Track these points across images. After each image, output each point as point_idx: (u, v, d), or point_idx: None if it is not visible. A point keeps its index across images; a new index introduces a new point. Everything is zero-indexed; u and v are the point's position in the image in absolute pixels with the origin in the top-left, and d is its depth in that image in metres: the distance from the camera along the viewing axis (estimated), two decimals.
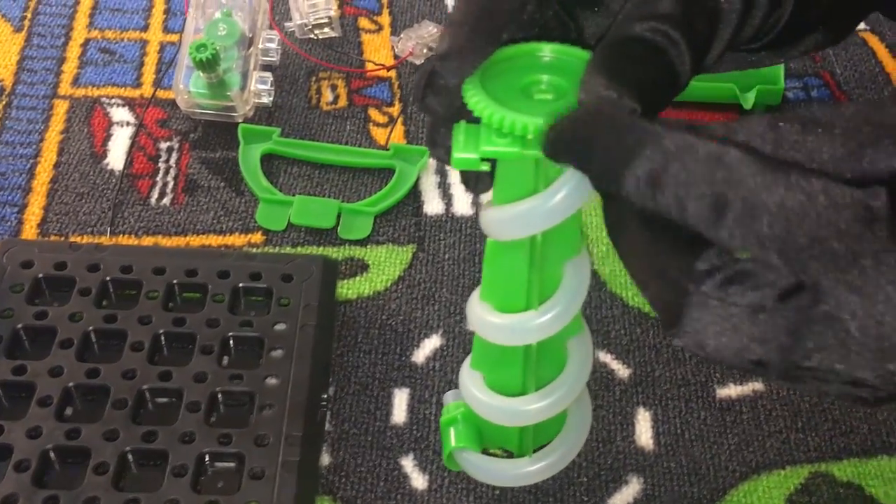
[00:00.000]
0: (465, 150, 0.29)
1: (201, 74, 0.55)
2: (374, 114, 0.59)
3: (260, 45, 0.58)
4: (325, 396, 0.44)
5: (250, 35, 0.58)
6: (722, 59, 0.31)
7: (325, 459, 0.43)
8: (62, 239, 0.50)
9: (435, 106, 0.29)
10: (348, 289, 0.49)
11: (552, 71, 0.31)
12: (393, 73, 0.62)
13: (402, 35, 0.62)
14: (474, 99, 0.28)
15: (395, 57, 0.62)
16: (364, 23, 0.65)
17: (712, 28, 0.29)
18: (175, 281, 0.44)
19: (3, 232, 0.50)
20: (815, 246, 0.22)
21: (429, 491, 0.42)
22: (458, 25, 0.30)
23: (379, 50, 0.63)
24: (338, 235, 0.51)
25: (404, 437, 0.44)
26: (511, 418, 0.35)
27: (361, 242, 0.51)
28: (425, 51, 0.62)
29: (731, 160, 0.22)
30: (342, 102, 0.60)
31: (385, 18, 0.66)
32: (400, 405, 0.45)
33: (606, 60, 0.28)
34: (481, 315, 0.33)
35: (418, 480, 0.42)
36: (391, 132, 0.57)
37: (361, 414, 0.44)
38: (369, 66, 0.62)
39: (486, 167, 0.29)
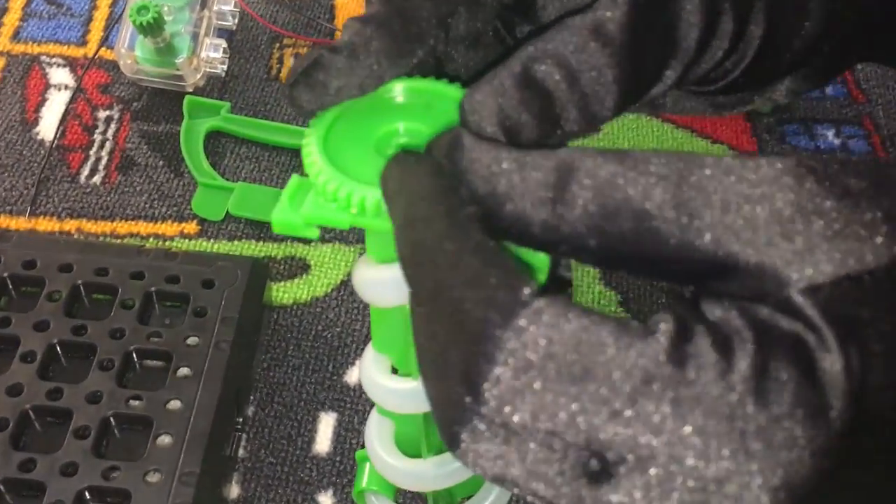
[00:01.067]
0: (288, 212, 0.24)
1: (145, 39, 0.50)
2: None
3: (214, 8, 0.53)
4: (241, 420, 0.40)
5: None
6: (677, 99, 0.26)
7: (234, 491, 0.39)
8: None
9: (302, 101, 0.24)
10: (284, 292, 0.44)
11: (410, 115, 0.26)
12: None
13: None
14: (309, 158, 0.23)
15: None
16: None
17: (662, 56, 0.24)
18: (81, 281, 0.40)
19: None
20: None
21: None
22: (364, 21, 0.25)
23: (352, 13, 0.57)
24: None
25: (325, 469, 0.39)
26: (409, 481, 0.31)
27: (305, 239, 0.46)
28: None
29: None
30: None
31: None
32: (325, 432, 0.40)
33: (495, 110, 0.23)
34: (374, 378, 0.28)
35: None
36: None
37: (280, 440, 0.40)
38: (338, 35, 0.56)
39: (313, 234, 0.24)
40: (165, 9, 0.51)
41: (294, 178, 0.25)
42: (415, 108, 0.26)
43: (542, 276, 0.26)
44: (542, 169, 0.20)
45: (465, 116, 0.23)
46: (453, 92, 0.26)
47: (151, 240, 0.46)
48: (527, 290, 0.19)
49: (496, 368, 0.18)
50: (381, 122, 0.26)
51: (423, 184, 0.21)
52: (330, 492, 0.39)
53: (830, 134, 0.55)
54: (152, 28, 0.49)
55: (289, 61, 0.55)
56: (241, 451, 0.40)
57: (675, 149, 0.53)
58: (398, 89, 0.26)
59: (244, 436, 0.40)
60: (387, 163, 0.22)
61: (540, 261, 0.27)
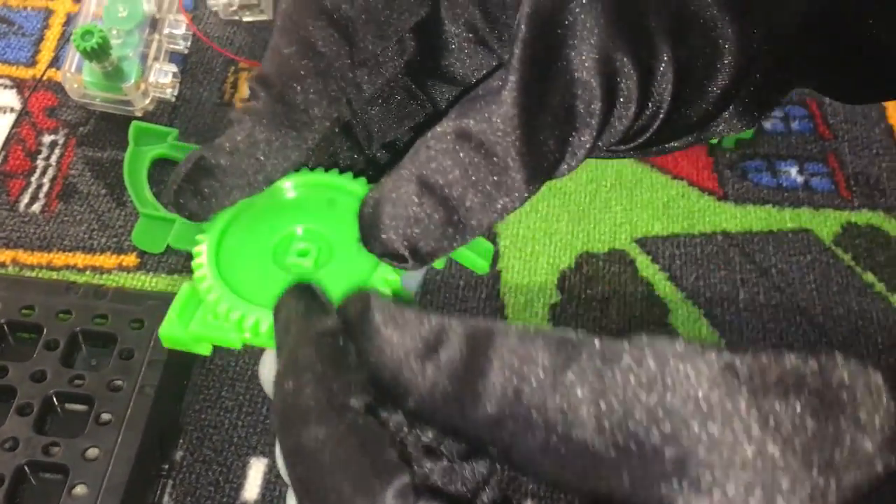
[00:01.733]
0: (176, 327, 0.23)
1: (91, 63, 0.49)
2: None
3: (165, 31, 0.52)
4: (166, 466, 0.39)
5: (157, 18, 0.52)
6: (608, 151, 0.25)
7: None
8: None
9: (189, 209, 0.23)
10: None
11: (309, 215, 0.25)
12: None
13: None
14: (199, 271, 0.23)
15: None
16: None
17: (563, 133, 0.22)
18: (5, 320, 0.39)
19: None
20: None
21: None
22: (247, 113, 0.24)
23: None
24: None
25: None
26: None
27: None
28: None
29: None
30: None
31: None
32: (255, 478, 0.39)
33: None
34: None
35: None
36: None
37: (208, 486, 0.39)
38: None
39: (205, 350, 0.23)
40: (114, 32, 0.50)
41: (184, 288, 0.24)
42: (315, 205, 0.25)
43: (486, 265, 0.26)
44: (450, 367, 0.19)
45: (372, 232, 0.22)
46: (354, 186, 0.25)
47: (88, 272, 0.45)
48: (391, 492, 0.18)
49: None
50: (279, 225, 0.25)
51: (308, 338, 0.20)
52: None
53: (794, 171, 0.54)
54: (97, 53, 0.48)
55: (243, 86, 0.54)
56: (165, 499, 0.38)
57: (635, 183, 0.52)
58: (289, 186, 0.25)
59: (170, 482, 0.39)
60: (280, 297, 0.22)
61: (485, 249, 0.26)
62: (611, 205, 0.51)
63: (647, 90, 0.24)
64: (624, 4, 0.23)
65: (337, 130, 0.27)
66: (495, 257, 0.48)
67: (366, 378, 0.21)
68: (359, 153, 0.28)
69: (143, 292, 0.41)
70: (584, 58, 0.22)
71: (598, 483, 0.18)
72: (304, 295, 0.22)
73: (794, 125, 0.56)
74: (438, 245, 0.22)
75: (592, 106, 0.22)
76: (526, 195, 0.22)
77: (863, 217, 0.52)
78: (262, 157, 0.23)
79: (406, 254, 0.22)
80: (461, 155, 0.22)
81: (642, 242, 0.50)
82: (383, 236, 0.22)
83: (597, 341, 0.19)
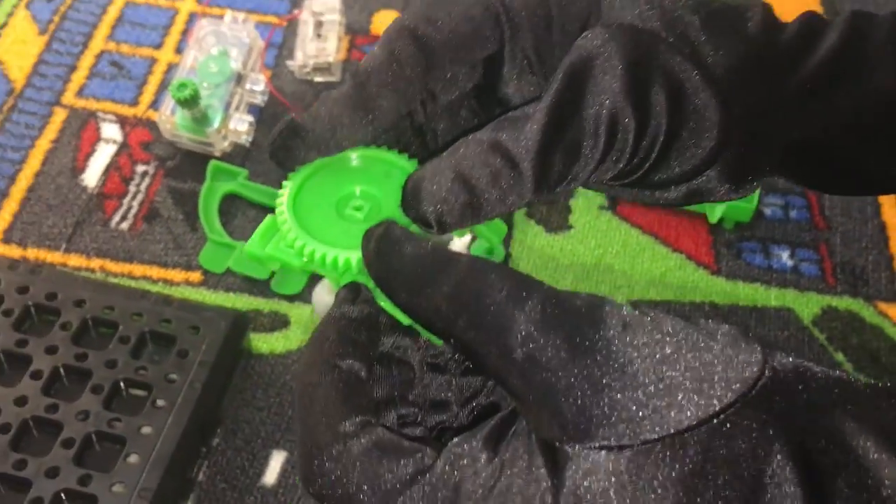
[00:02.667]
0: (257, 246, 0.32)
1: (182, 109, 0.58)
2: None
3: (247, 87, 0.61)
4: (205, 449, 0.47)
5: (242, 74, 0.61)
6: (609, 187, 0.33)
7: None
8: (21, 248, 0.54)
9: (279, 159, 0.32)
10: (263, 342, 0.52)
11: (368, 180, 0.33)
12: None
13: None
14: (279, 208, 0.31)
15: None
16: None
17: (569, 163, 0.30)
18: (90, 315, 0.47)
19: None
20: None
21: None
22: (334, 97, 0.32)
23: None
24: (270, 288, 0.54)
25: (268, 499, 0.46)
26: None
27: (290, 298, 0.53)
28: None
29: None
30: None
31: None
32: (274, 467, 0.47)
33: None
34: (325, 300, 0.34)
35: None
36: None
37: (235, 469, 0.47)
38: None
39: (272, 267, 0.31)
40: (205, 84, 0.60)
41: (268, 218, 0.32)
42: (374, 174, 0.33)
43: (498, 240, 0.34)
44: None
45: (411, 202, 0.30)
46: (406, 164, 0.33)
47: (160, 283, 0.54)
48: (349, 422, 0.27)
49: (319, 480, 0.26)
50: (343, 184, 0.33)
51: (331, 316, 0.30)
52: None
53: (785, 255, 0.60)
54: (188, 102, 0.57)
55: None
56: (200, 475, 0.46)
57: (638, 252, 0.59)
58: (355, 156, 0.33)
59: (206, 462, 0.47)
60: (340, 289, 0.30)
61: (499, 227, 0.34)
62: (613, 269, 0.58)
63: (639, 142, 0.30)
64: (635, 78, 0.30)
65: (409, 125, 0.34)
66: None
67: (368, 347, 0.29)
68: (423, 149, 0.35)
69: (202, 305, 0.49)
70: (597, 110, 0.30)
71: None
72: (348, 288, 0.31)
73: (792, 213, 0.62)
74: (458, 222, 0.30)
75: (595, 146, 0.30)
76: (531, 199, 0.30)
77: (843, 303, 0.58)
78: (336, 129, 0.31)
79: (433, 222, 0.30)
80: (490, 159, 0.29)
81: (636, 305, 0.56)
82: (419, 207, 0.30)
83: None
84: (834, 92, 0.31)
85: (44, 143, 0.60)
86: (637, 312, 0.26)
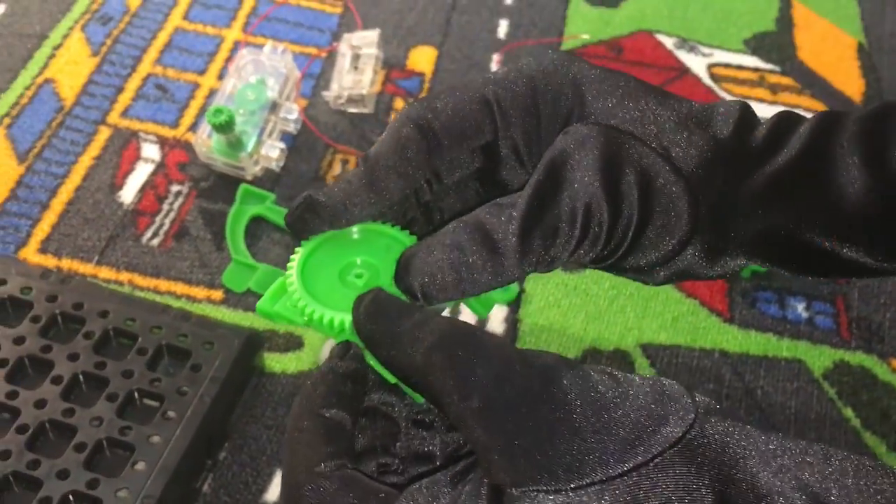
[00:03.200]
0: (268, 305, 0.35)
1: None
2: None
3: (281, 115, 0.63)
4: (211, 462, 0.49)
5: (277, 103, 0.64)
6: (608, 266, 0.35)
7: None
8: (56, 259, 0.57)
9: (296, 230, 0.35)
10: (276, 362, 0.53)
11: (365, 250, 0.35)
12: None
13: None
14: (290, 272, 0.34)
15: None
16: (399, 104, 0.69)
17: (547, 245, 0.32)
18: (112, 326, 0.50)
19: (12, 241, 0.58)
20: None
21: None
22: (345, 179, 0.35)
23: None
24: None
25: None
26: None
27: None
28: None
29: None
30: None
31: None
32: (277, 484, 0.49)
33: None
34: None
35: None
36: None
37: (239, 484, 0.49)
38: None
39: (281, 321, 0.34)
40: (241, 111, 0.62)
41: (278, 280, 0.35)
42: (376, 247, 0.36)
43: (485, 312, 0.36)
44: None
45: (401, 275, 0.33)
46: (405, 239, 0.35)
47: (183, 299, 0.56)
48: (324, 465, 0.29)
49: None
50: (347, 254, 0.36)
51: (322, 371, 0.32)
52: None
53: (801, 307, 0.60)
54: (223, 128, 0.59)
55: (336, 166, 0.64)
56: (205, 487, 0.48)
57: (652, 295, 0.59)
58: (356, 231, 0.36)
59: (211, 475, 0.49)
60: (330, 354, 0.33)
61: (487, 300, 0.35)
62: (626, 310, 0.59)
63: (613, 229, 0.33)
64: (609, 172, 0.32)
65: (416, 202, 0.37)
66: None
67: (353, 399, 0.32)
68: (429, 224, 0.38)
69: (218, 322, 0.51)
70: (573, 199, 0.32)
71: None
72: (341, 346, 0.33)
73: None
74: (442, 296, 0.32)
75: (572, 233, 0.32)
76: (514, 277, 0.32)
77: (856, 358, 0.58)
78: (347, 205, 0.34)
79: (419, 294, 0.32)
80: (475, 238, 0.32)
81: (645, 348, 0.57)
82: (408, 279, 0.32)
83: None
84: (798, 190, 0.32)
85: (86, 160, 0.63)
86: (590, 372, 0.28)
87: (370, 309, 0.32)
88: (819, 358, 0.57)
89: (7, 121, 0.64)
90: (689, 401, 0.27)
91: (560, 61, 0.35)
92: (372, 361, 0.34)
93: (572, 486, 0.25)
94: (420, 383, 0.30)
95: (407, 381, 0.31)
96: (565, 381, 0.27)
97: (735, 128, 0.34)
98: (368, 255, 0.36)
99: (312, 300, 0.34)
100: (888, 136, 0.31)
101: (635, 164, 0.33)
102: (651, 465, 0.26)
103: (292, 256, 0.35)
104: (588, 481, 0.25)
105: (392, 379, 0.33)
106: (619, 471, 0.25)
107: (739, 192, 0.33)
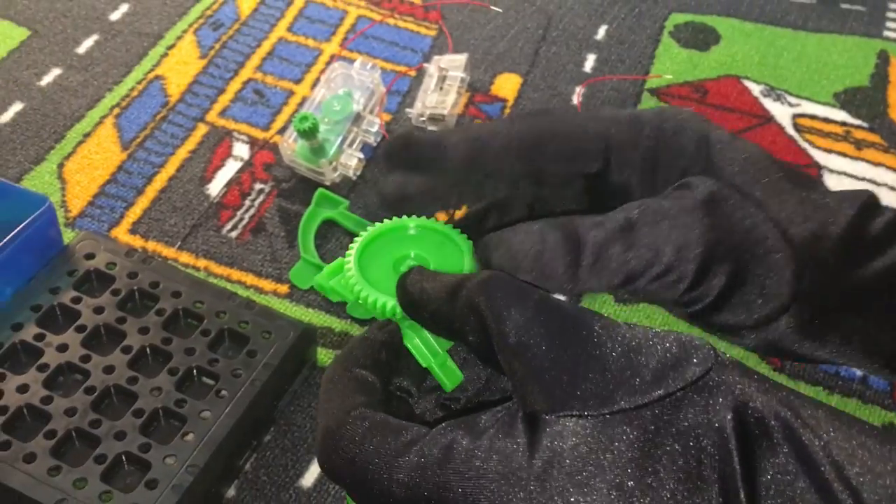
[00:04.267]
0: (325, 280, 0.39)
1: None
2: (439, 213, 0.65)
3: (363, 126, 0.67)
4: (255, 442, 0.52)
5: (361, 115, 0.67)
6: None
7: (231, 492, 0.50)
8: (144, 240, 0.62)
9: (393, 159, 0.40)
10: (328, 357, 0.56)
11: (419, 245, 0.38)
12: None
13: None
14: (348, 256, 0.38)
15: None
16: None
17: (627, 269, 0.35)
18: (182, 307, 0.54)
19: (107, 220, 0.63)
20: None
21: None
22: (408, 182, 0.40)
23: None
24: (346, 310, 0.58)
25: (301, 499, 0.50)
26: None
27: (363, 322, 0.58)
28: None
29: None
30: None
31: None
32: (314, 471, 0.51)
33: None
34: None
35: None
36: None
37: (278, 466, 0.52)
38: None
39: (333, 298, 0.38)
40: (326, 120, 0.66)
41: (338, 259, 0.39)
42: (429, 243, 0.39)
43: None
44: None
45: (485, 248, 0.36)
46: (458, 238, 0.38)
47: (252, 290, 0.60)
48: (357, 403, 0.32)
49: (332, 457, 0.32)
50: (402, 247, 0.39)
51: (363, 337, 0.36)
52: None
53: None
54: (307, 134, 0.63)
55: None
56: (247, 466, 0.51)
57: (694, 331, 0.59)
58: (413, 226, 0.39)
59: (254, 455, 0.52)
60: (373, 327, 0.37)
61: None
62: None
63: (701, 280, 0.34)
64: (710, 238, 0.34)
65: (517, 198, 0.41)
66: None
67: (385, 366, 0.35)
68: (530, 216, 0.41)
69: (279, 314, 0.55)
70: (666, 238, 0.34)
71: None
72: (381, 321, 0.37)
73: None
74: (558, 282, 0.35)
75: (655, 267, 0.34)
76: (587, 289, 0.34)
77: None
78: (439, 160, 0.39)
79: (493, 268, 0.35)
80: (561, 238, 0.34)
81: None
82: (487, 252, 0.35)
83: None
84: None
85: (182, 153, 0.68)
86: (619, 322, 0.31)
87: (416, 275, 0.35)
88: (867, 417, 0.56)
89: (117, 111, 0.70)
90: (711, 349, 0.30)
91: (691, 118, 0.38)
92: (410, 343, 0.36)
93: (599, 412, 0.28)
94: (460, 329, 0.32)
95: (448, 331, 0.34)
96: (597, 326, 0.30)
97: (857, 213, 0.35)
98: (422, 249, 0.39)
99: (364, 282, 0.37)
100: None
101: (744, 222, 0.34)
102: (673, 398, 0.28)
103: (353, 242, 0.38)
104: (616, 409, 0.28)
105: (425, 361, 0.36)
106: (644, 401, 0.28)
107: (848, 279, 0.34)
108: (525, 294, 0.31)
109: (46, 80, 0.72)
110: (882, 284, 0.34)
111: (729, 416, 0.28)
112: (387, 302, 0.36)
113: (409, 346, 0.36)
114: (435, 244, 0.38)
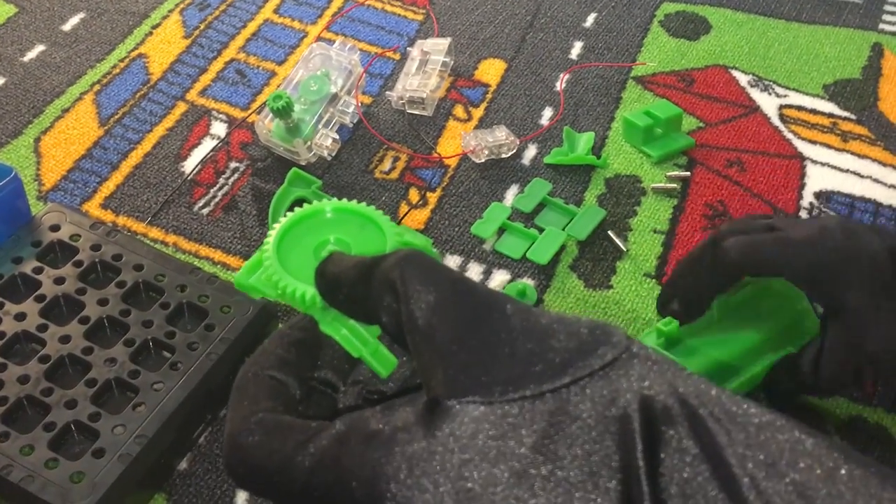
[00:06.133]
0: (244, 277, 0.38)
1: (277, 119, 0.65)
2: (412, 193, 0.65)
3: (339, 107, 0.67)
4: (210, 416, 0.52)
5: (338, 95, 0.67)
6: None
7: (184, 464, 0.50)
8: (115, 215, 0.62)
9: None
10: None
11: (339, 229, 0.37)
12: (453, 162, 0.67)
13: (472, 132, 0.68)
14: (266, 246, 0.36)
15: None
16: (458, 111, 0.71)
17: None
18: (143, 279, 0.54)
19: (79, 194, 0.63)
20: None
21: None
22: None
23: (455, 138, 0.69)
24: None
25: None
26: None
27: None
28: (486, 152, 0.67)
29: None
30: (394, 175, 0.66)
31: (479, 112, 0.71)
32: None
33: None
34: None
35: None
36: (405, 214, 0.63)
37: None
38: (436, 153, 0.68)
39: (256, 295, 0.37)
40: (303, 99, 0.66)
41: (255, 254, 0.38)
42: (349, 225, 0.38)
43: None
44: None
45: None
46: (379, 219, 0.37)
47: (219, 266, 0.60)
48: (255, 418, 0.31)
49: (235, 459, 0.32)
50: (321, 233, 0.38)
51: (280, 330, 0.36)
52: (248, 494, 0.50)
53: None
54: (281, 112, 0.63)
55: (387, 161, 0.67)
56: (201, 439, 0.51)
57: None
58: (329, 210, 0.38)
59: (210, 428, 0.52)
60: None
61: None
62: (639, 336, 0.59)
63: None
64: None
65: None
66: None
67: (298, 366, 0.34)
68: None
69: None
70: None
71: None
72: (299, 318, 0.36)
73: None
74: None
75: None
76: None
77: (876, 415, 0.55)
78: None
79: None
80: None
81: None
82: None
83: None
84: None
85: (160, 130, 0.68)
86: (533, 307, 0.30)
87: (333, 259, 0.34)
88: (835, 410, 0.55)
89: (97, 87, 0.70)
90: (623, 336, 0.29)
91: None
92: (337, 335, 0.35)
93: (503, 399, 0.28)
94: (375, 310, 0.32)
95: (364, 313, 0.33)
96: (509, 309, 0.30)
97: None
98: (342, 233, 0.38)
99: (285, 274, 0.36)
100: None
101: None
102: (577, 385, 0.28)
103: (269, 233, 0.37)
104: (518, 396, 0.28)
105: (356, 351, 0.35)
106: (550, 388, 0.28)
107: None
108: (439, 274, 0.30)
109: (30, 55, 0.72)
110: None
111: (635, 403, 0.27)
112: (306, 291, 0.35)
113: (336, 337, 0.35)
114: (355, 227, 0.37)
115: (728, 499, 0.26)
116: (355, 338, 0.35)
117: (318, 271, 0.34)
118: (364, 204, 0.38)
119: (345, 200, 0.38)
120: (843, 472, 0.26)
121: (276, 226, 0.38)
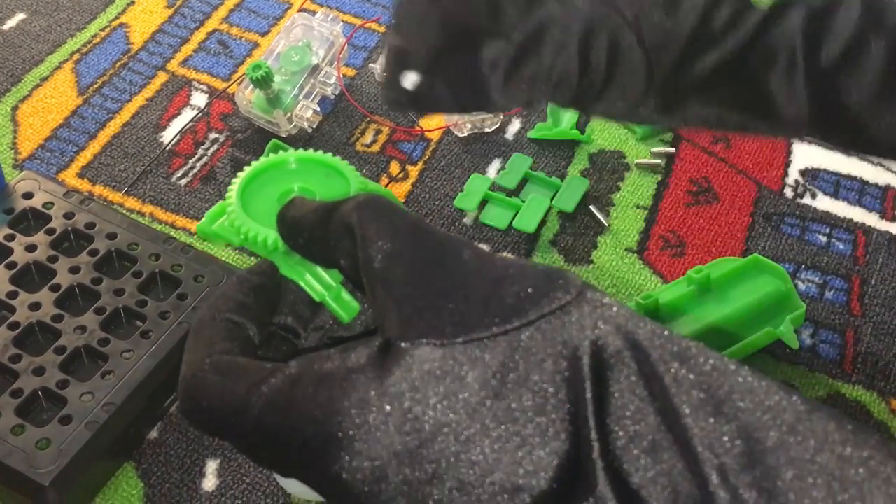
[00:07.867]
0: (207, 225, 0.37)
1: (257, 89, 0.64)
2: (393, 166, 0.65)
3: (320, 78, 0.66)
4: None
5: (320, 67, 0.66)
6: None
7: (154, 433, 0.50)
8: (91, 184, 0.61)
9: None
10: None
11: (303, 178, 0.37)
12: (435, 136, 0.67)
13: None
14: (229, 193, 0.36)
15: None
16: None
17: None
18: (115, 248, 0.53)
19: (55, 164, 0.63)
20: None
21: (214, 495, 0.48)
22: None
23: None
24: None
25: (225, 442, 0.50)
26: None
27: None
28: (468, 126, 0.66)
29: None
30: (375, 147, 0.66)
31: None
32: None
33: None
34: None
35: (209, 482, 0.49)
36: (385, 186, 0.63)
37: None
38: (419, 126, 0.67)
39: (220, 244, 0.36)
40: (284, 70, 0.65)
41: (219, 203, 0.37)
42: (314, 175, 0.37)
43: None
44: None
45: None
46: (343, 167, 0.37)
47: (195, 238, 0.59)
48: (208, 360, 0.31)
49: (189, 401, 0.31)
50: (286, 182, 0.37)
51: (240, 275, 0.35)
52: (219, 461, 0.49)
53: (806, 333, 0.57)
54: (261, 83, 0.62)
55: (369, 134, 0.66)
56: (172, 408, 0.51)
57: None
58: (293, 160, 0.38)
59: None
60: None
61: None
62: None
63: (581, 81, 0.42)
64: (583, 49, 0.42)
65: None
66: None
67: (257, 311, 0.34)
68: None
69: (214, 258, 0.54)
70: (553, 54, 0.42)
71: None
72: (260, 263, 0.35)
73: (829, 294, 0.60)
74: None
75: (549, 80, 0.42)
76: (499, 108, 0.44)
77: (854, 392, 0.55)
78: None
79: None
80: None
81: None
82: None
83: None
84: (732, 84, 0.43)
85: (139, 100, 0.67)
86: (486, 250, 0.30)
87: (294, 203, 0.34)
88: (812, 386, 0.55)
89: (77, 56, 0.70)
90: (577, 281, 0.29)
91: None
92: (301, 279, 0.35)
93: (456, 341, 0.28)
94: (333, 253, 0.32)
95: (324, 255, 0.33)
96: (466, 254, 0.30)
97: (701, 11, 0.42)
98: (307, 183, 0.37)
99: (248, 219, 0.35)
100: (824, 34, 0.40)
101: (610, 31, 0.42)
102: (530, 328, 0.28)
103: (233, 181, 0.37)
104: (471, 338, 0.28)
105: (318, 296, 0.35)
106: (501, 330, 0.28)
107: (689, 70, 0.42)
108: (398, 218, 0.30)
109: (10, 24, 0.71)
110: (716, 75, 0.42)
111: (586, 345, 0.28)
112: (268, 235, 0.35)
113: (300, 282, 0.35)
114: (320, 176, 0.37)
115: (674, 441, 0.26)
116: (318, 282, 0.35)
117: (280, 215, 0.34)
118: (329, 154, 0.38)
119: (310, 150, 0.38)
120: (790, 414, 0.26)
121: (240, 174, 0.37)
